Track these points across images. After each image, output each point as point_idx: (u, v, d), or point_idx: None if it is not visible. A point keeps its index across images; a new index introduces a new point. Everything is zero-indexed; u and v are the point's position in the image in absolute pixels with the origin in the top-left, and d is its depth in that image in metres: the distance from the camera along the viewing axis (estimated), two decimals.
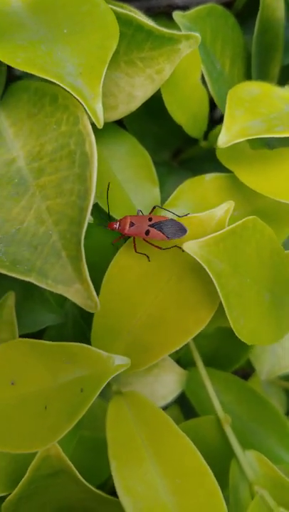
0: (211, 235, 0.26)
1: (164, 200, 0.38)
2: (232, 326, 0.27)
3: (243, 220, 0.28)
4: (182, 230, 0.30)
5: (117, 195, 0.36)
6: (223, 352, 0.44)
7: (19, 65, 0.27)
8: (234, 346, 0.43)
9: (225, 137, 0.30)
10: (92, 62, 0.27)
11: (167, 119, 0.42)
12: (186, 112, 0.36)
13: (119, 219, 0.32)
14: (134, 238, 0.31)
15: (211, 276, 0.26)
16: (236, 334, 0.27)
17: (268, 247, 0.30)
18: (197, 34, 0.29)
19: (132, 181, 0.37)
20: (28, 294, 0.37)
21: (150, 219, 0.31)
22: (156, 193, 0.37)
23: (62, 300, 0.39)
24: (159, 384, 0.39)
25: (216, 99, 0.37)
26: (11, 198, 0.29)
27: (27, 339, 0.28)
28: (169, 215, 0.33)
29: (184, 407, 0.45)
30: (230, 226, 0.27)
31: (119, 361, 0.27)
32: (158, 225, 0.31)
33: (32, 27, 0.30)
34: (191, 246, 0.26)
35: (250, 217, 0.28)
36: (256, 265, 0.30)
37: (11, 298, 0.35)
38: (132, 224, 0.31)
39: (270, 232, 0.30)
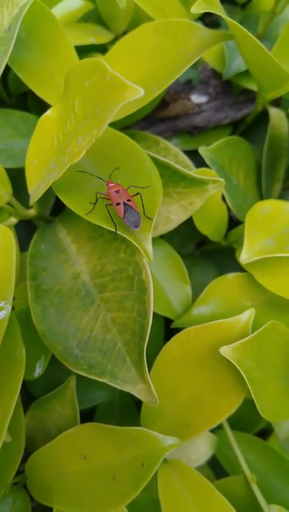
0: (241, 340, 0.34)
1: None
2: (259, 410, 0.35)
3: (266, 325, 0.36)
4: (136, 226, 0.34)
5: (155, 290, 0.44)
6: (246, 416, 0.51)
7: (89, 217, 0.34)
8: (255, 412, 0.50)
9: (246, 255, 0.38)
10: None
11: (192, 219, 0.51)
12: (210, 226, 0.44)
13: (116, 184, 0.36)
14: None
15: (242, 372, 0.34)
16: (262, 415, 0.35)
17: (282, 340, 0.38)
18: (222, 179, 0.37)
19: (167, 279, 0.45)
20: None
21: (129, 200, 0.35)
22: (188, 290, 0.45)
23: None
24: (193, 448, 0.46)
25: (233, 210, 0.46)
26: (80, 309, 0.36)
27: (98, 424, 0.36)
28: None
29: (212, 464, 0.51)
30: (255, 332, 0.35)
31: (171, 441, 0.34)
32: (128, 207, 0.34)
33: (92, 173, 0.38)
34: (225, 350, 0.34)
35: (270, 322, 0.36)
36: (275, 357, 0.37)
37: (72, 381, 0.42)
38: (119, 191, 0.35)
39: (284, 328, 0.38)
